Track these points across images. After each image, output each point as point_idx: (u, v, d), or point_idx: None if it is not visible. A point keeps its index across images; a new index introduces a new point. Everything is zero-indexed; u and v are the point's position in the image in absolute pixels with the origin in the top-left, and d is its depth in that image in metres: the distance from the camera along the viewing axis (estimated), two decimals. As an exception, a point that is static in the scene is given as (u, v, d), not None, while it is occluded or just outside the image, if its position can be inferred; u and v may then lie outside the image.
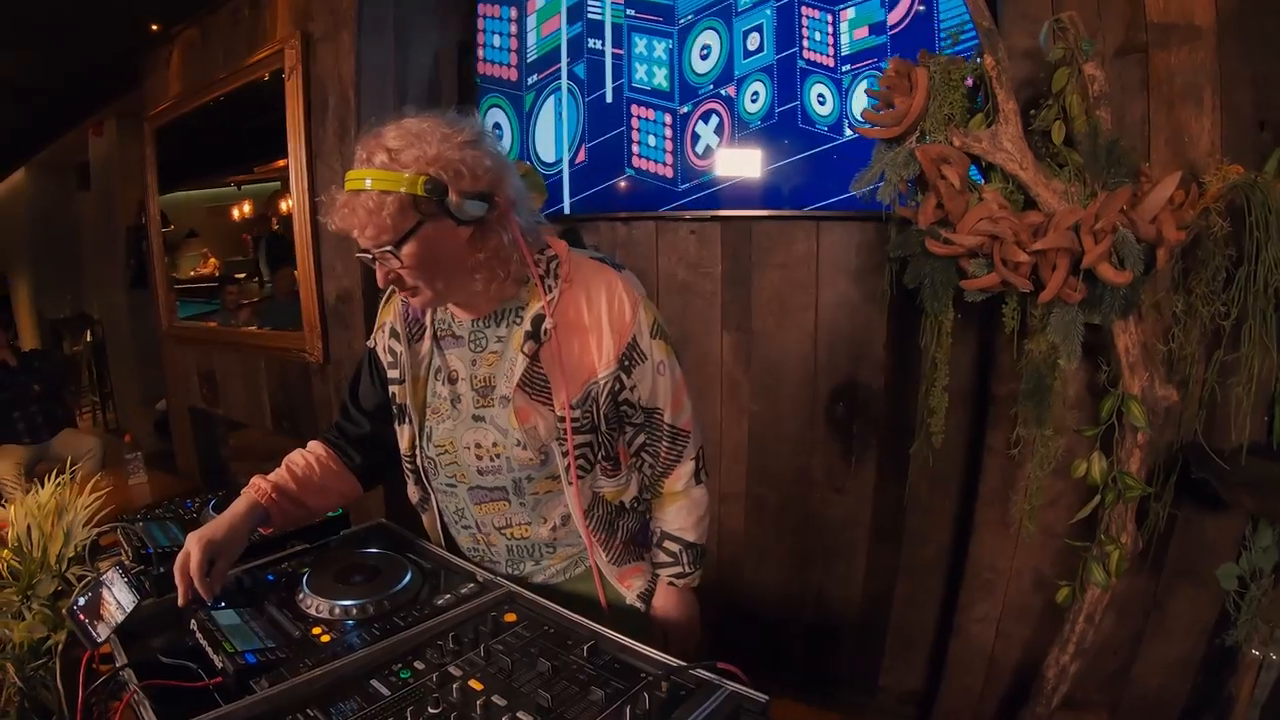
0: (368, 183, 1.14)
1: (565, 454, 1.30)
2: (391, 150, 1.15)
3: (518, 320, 1.30)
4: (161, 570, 1.28)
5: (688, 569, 1.42)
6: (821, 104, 2.22)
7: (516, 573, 1.40)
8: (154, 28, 3.59)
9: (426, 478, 1.43)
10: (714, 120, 2.38)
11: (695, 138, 2.41)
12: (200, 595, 1.16)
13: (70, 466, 1.55)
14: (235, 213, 3.95)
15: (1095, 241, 1.49)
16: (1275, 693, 1.73)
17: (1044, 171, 1.58)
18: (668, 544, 1.43)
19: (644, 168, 2.48)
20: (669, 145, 2.45)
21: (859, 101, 2.13)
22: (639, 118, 2.47)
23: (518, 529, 1.38)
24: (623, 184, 2.51)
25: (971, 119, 1.62)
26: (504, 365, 1.31)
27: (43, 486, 1.43)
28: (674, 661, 1.01)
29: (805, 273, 2.28)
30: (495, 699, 0.94)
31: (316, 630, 1.13)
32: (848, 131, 2.18)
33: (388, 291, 1.42)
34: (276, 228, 3.81)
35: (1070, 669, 1.78)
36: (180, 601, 1.16)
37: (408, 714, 0.92)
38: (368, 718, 0.93)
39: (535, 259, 1.28)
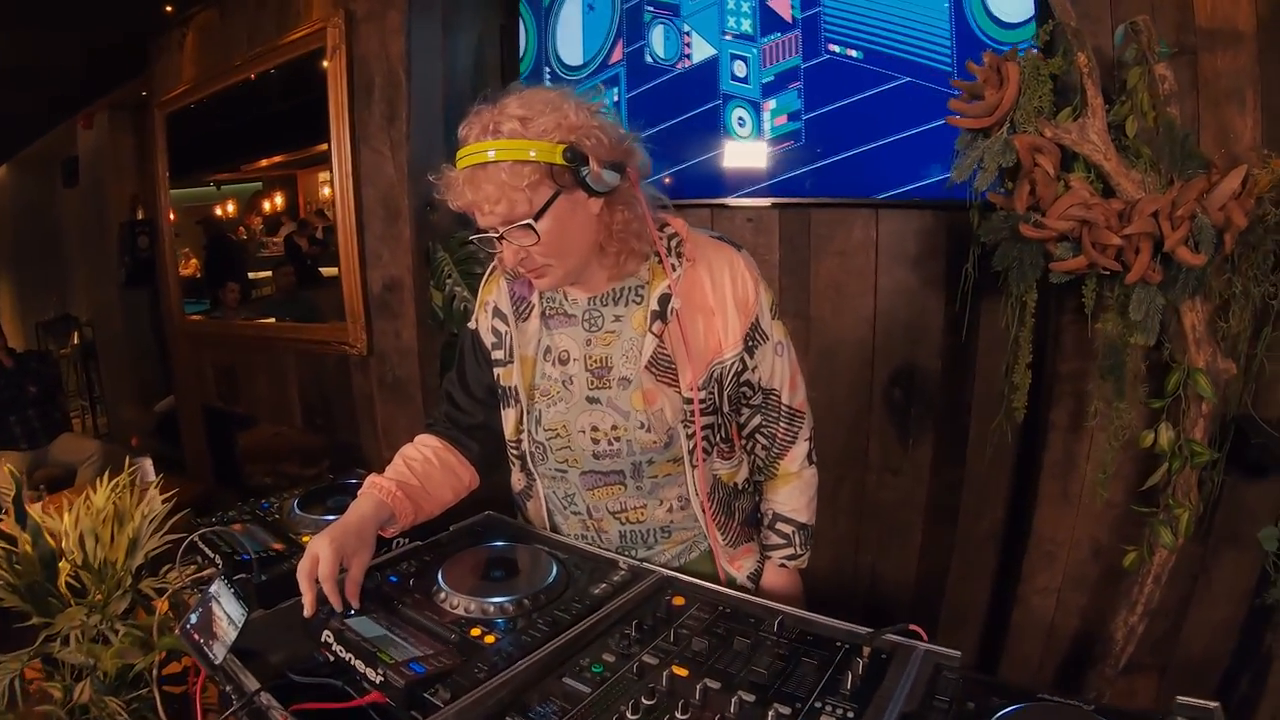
0: (491, 154, 1.16)
1: (691, 436, 1.38)
2: (522, 118, 1.18)
3: (637, 299, 1.37)
4: (264, 578, 1.29)
5: (799, 550, 1.54)
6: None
7: None
8: (168, 9, 3.67)
9: (532, 463, 1.48)
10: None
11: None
12: (330, 604, 1.15)
13: (71, 472, 1.59)
14: (219, 211, 4.11)
15: (1174, 227, 1.79)
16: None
17: (1124, 163, 1.88)
18: (780, 525, 1.54)
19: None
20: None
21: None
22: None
23: (633, 513, 1.47)
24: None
25: (1059, 112, 1.90)
26: (622, 345, 1.37)
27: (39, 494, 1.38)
28: (859, 628, 1.12)
29: (864, 260, 2.55)
30: (709, 682, 0.98)
31: (475, 632, 1.11)
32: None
33: (489, 269, 1.49)
34: (244, 235, 3.99)
35: (1138, 629, 2.07)
36: (307, 611, 1.13)
37: (625, 711, 0.93)
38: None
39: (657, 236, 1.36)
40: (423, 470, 1.43)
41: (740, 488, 1.55)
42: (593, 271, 1.36)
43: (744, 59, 2.58)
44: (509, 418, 1.47)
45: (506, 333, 1.44)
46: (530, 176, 1.17)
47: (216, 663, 1.05)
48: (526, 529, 1.56)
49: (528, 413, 1.44)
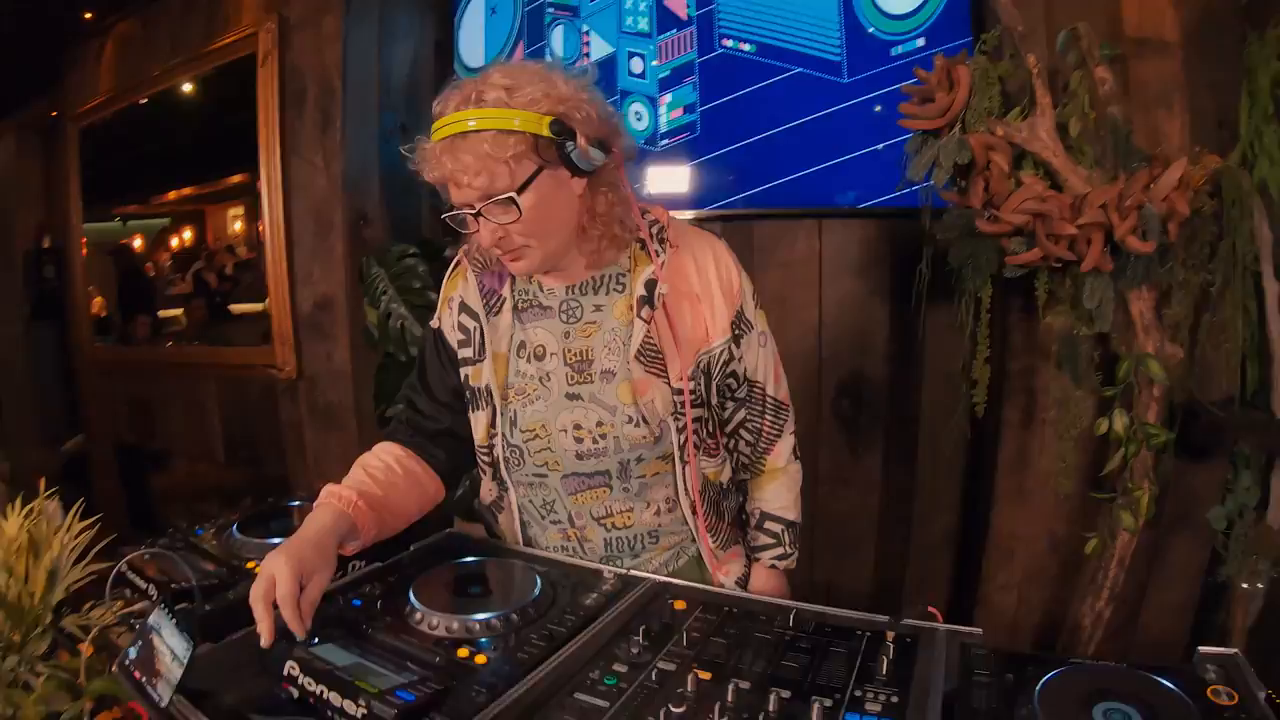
0: (472, 123, 1.10)
1: (681, 429, 1.31)
2: (508, 87, 1.12)
3: (619, 287, 1.31)
4: (208, 608, 1.16)
5: (789, 549, 1.49)
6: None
7: None
8: (86, 16, 3.45)
9: (506, 469, 1.38)
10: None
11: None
12: (290, 631, 1.03)
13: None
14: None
15: (1122, 218, 1.85)
16: (1261, 619, 2.07)
17: (1071, 159, 1.94)
18: (769, 525, 1.48)
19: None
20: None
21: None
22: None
23: (619, 517, 1.38)
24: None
25: (1009, 113, 1.95)
26: (604, 336, 1.31)
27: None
28: (875, 616, 1.10)
29: (808, 271, 2.55)
30: (739, 683, 0.92)
31: (463, 653, 1.02)
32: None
33: (454, 263, 1.40)
34: (152, 271, 3.80)
35: (1105, 614, 2.08)
36: (265, 641, 1.01)
37: (655, 720, 0.87)
38: (602, 736, 0.86)
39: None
40: (385, 479, 1.29)
41: (726, 487, 1.49)
42: (571, 258, 1.30)
43: (641, 56, 2.66)
44: (479, 420, 1.36)
45: (475, 328, 1.34)
46: (514, 148, 1.11)
47: (162, 704, 0.91)
48: (496, 544, 1.45)
49: (501, 414, 1.33)
